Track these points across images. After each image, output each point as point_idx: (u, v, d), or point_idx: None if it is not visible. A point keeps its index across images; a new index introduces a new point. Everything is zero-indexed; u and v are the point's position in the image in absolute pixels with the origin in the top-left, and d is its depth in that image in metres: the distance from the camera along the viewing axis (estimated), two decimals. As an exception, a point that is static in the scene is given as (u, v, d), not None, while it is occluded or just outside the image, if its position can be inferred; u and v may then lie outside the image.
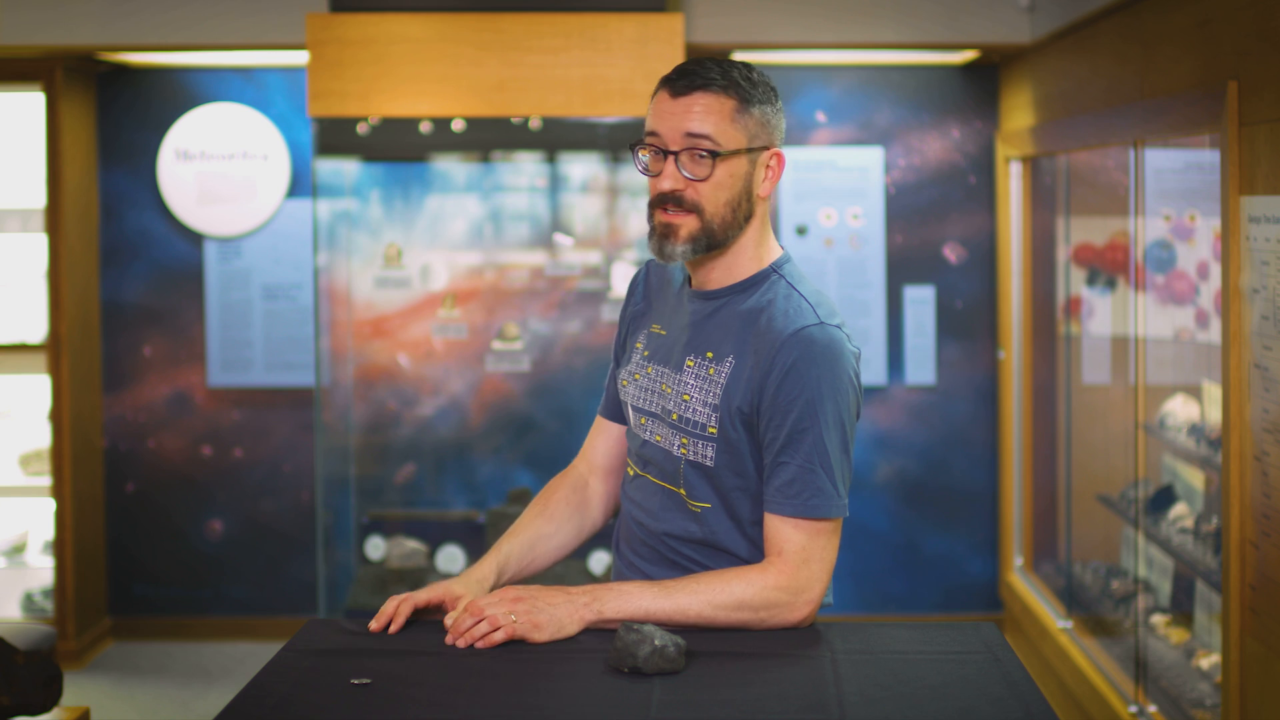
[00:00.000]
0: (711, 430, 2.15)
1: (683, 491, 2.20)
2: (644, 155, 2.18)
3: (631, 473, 2.30)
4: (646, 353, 2.28)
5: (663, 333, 2.28)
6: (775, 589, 2.09)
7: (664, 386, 2.22)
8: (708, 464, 2.17)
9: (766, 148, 2.18)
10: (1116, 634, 4.37)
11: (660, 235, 2.17)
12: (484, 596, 2.11)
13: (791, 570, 2.10)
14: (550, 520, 2.34)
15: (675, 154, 2.14)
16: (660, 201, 2.16)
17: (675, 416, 2.19)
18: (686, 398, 2.18)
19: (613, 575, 2.37)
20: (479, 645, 2.04)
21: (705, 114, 2.13)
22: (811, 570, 2.10)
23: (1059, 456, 5.14)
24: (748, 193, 2.17)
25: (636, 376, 2.28)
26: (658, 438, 2.23)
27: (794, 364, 2.10)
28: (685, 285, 2.29)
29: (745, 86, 2.15)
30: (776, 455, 2.11)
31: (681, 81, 2.14)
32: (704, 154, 2.13)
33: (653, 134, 2.16)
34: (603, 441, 2.42)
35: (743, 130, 2.15)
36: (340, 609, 5.09)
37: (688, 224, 2.15)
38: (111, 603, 5.55)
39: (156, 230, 5.49)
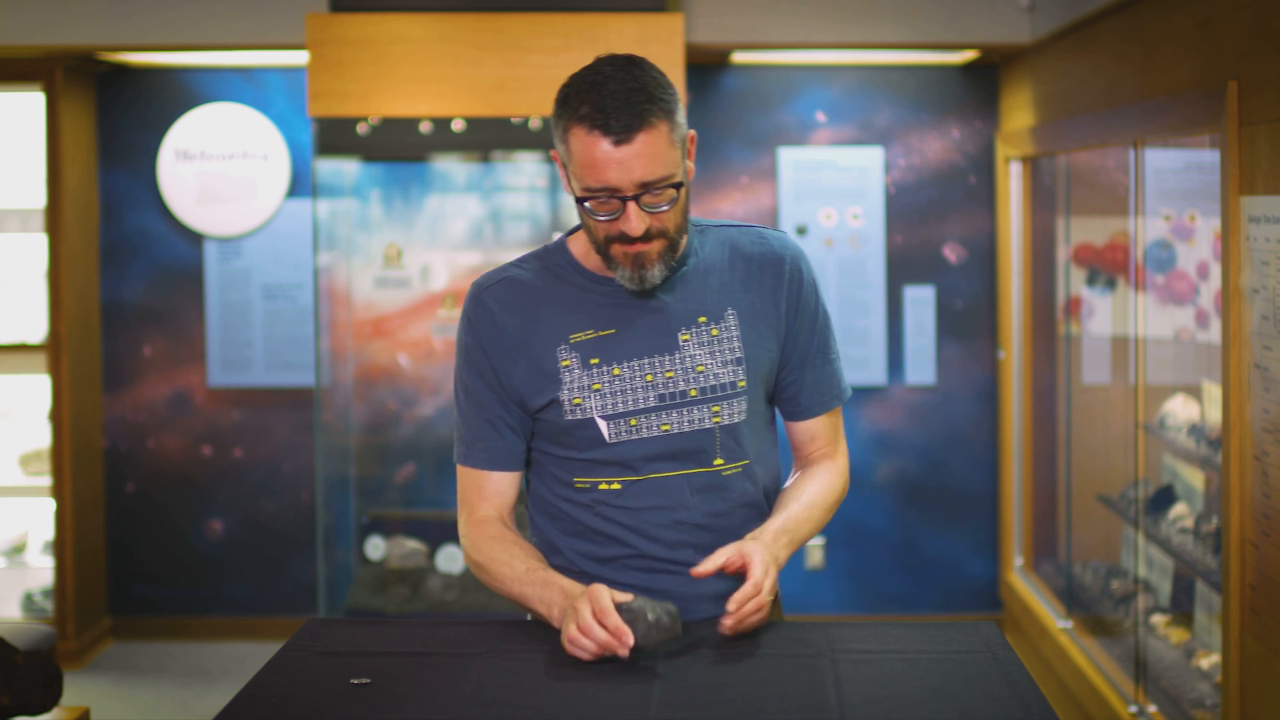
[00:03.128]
0: (741, 384, 2.20)
1: (719, 461, 2.20)
2: (588, 203, 2.08)
3: (615, 485, 2.20)
4: (595, 360, 2.17)
5: (608, 331, 2.18)
6: (843, 473, 2.32)
7: (649, 376, 2.17)
8: (741, 419, 2.21)
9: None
10: (1116, 634, 4.37)
11: (636, 268, 2.11)
12: (761, 566, 2.07)
13: (842, 453, 2.34)
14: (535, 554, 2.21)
15: (634, 198, 2.06)
16: (623, 239, 2.09)
17: (695, 392, 2.18)
18: (700, 369, 2.18)
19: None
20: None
21: (654, 155, 2.04)
22: (844, 440, 2.36)
23: (1059, 456, 5.13)
24: (688, 189, 2.14)
25: (596, 387, 2.17)
26: (665, 427, 2.17)
27: (799, 272, 2.25)
28: (588, 276, 2.21)
29: (666, 99, 2.06)
30: (811, 359, 2.27)
31: (618, 126, 2.02)
32: (659, 190, 2.06)
33: (603, 189, 2.04)
34: (509, 488, 2.25)
35: (679, 143, 2.09)
36: (340, 609, 5.09)
37: (656, 248, 2.11)
38: (111, 603, 5.55)
39: (156, 230, 5.49)
